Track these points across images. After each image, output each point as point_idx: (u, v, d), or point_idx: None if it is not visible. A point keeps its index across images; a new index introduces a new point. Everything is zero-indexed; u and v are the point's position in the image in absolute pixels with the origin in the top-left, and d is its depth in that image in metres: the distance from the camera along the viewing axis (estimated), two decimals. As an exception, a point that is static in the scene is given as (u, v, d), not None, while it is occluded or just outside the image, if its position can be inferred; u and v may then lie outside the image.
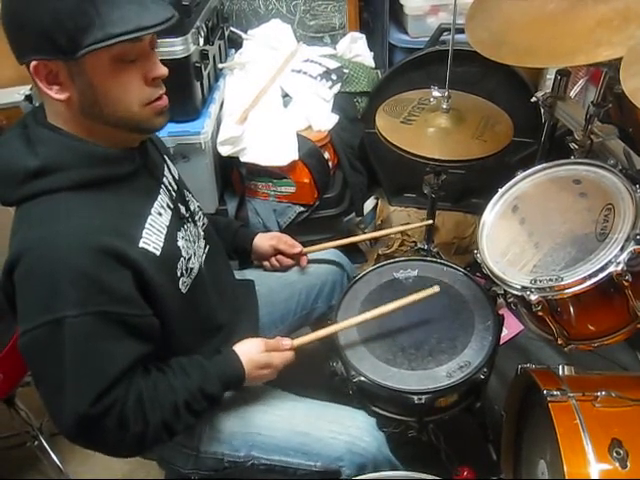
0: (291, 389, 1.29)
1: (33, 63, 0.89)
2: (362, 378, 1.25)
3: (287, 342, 1.20)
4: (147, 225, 1.03)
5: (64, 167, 0.95)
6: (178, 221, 1.13)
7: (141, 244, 1.00)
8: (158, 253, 1.03)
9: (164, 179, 1.15)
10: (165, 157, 1.22)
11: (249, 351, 1.14)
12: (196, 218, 1.24)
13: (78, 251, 0.91)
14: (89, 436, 0.97)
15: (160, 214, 1.08)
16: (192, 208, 1.23)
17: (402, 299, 1.29)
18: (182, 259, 1.10)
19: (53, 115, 0.98)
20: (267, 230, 1.92)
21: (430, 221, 1.63)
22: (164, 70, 0.99)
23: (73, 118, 0.97)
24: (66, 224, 0.93)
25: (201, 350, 1.15)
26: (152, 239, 1.02)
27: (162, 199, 1.10)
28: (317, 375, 1.48)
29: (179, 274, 1.09)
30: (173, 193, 1.16)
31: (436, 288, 1.30)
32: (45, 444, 1.69)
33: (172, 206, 1.13)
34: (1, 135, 1.60)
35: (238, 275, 1.48)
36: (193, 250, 1.16)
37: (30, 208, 0.95)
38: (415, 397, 1.21)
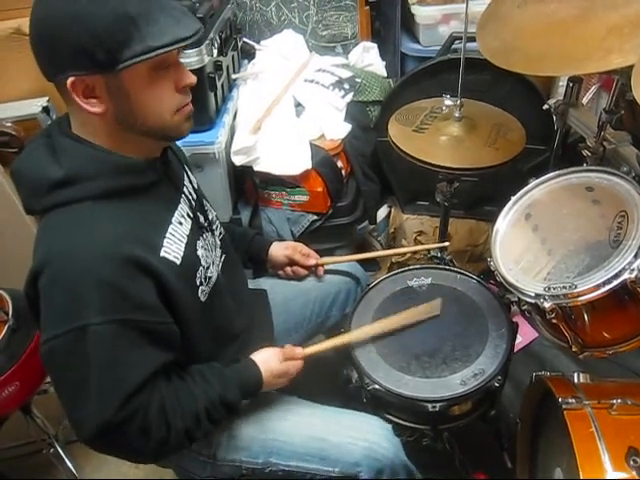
0: (306, 397, 1.30)
1: (70, 79, 0.90)
2: (376, 386, 1.25)
3: (299, 351, 1.22)
4: (168, 234, 1.04)
5: (88, 177, 0.96)
6: (197, 230, 1.15)
7: (162, 253, 1.01)
8: (178, 262, 1.04)
9: (184, 188, 1.16)
10: (185, 166, 1.24)
11: (268, 361, 1.16)
12: (214, 227, 1.25)
13: (102, 260, 0.92)
14: (111, 443, 0.99)
15: (180, 223, 1.09)
16: (210, 217, 1.24)
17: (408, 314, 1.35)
18: (201, 268, 1.11)
19: (80, 126, 0.99)
20: (281, 239, 1.93)
21: (447, 243, 1.63)
22: (193, 78, 1.02)
23: (103, 129, 0.98)
24: (90, 233, 0.94)
25: (219, 357, 1.16)
26: (173, 248, 1.04)
27: (182, 208, 1.11)
28: (331, 383, 1.49)
29: (198, 283, 1.10)
30: (193, 202, 1.17)
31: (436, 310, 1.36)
32: (61, 451, 1.71)
33: (192, 215, 1.14)
34: (20, 146, 1.64)
35: (252, 284, 1.49)
36: (212, 259, 1.17)
37: (55, 217, 0.97)
38: (429, 405, 1.21)
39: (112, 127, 0.98)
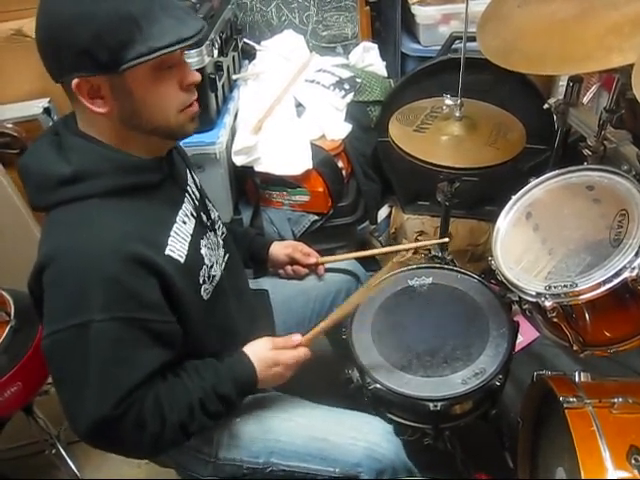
0: (307, 397, 1.30)
1: (75, 80, 0.91)
2: (378, 385, 1.26)
3: (296, 337, 1.20)
4: (172, 233, 1.05)
5: (96, 174, 0.97)
6: (201, 229, 1.15)
7: (167, 251, 1.02)
8: (182, 260, 1.04)
9: (188, 188, 1.17)
10: (188, 166, 1.24)
11: (258, 350, 1.15)
12: (216, 227, 1.26)
13: (108, 257, 0.93)
14: (107, 438, 0.99)
15: (185, 222, 1.10)
16: (213, 217, 1.25)
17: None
18: (205, 267, 1.12)
19: (87, 125, 1.00)
20: (282, 239, 1.94)
21: (446, 239, 1.64)
22: (198, 76, 1.03)
23: (109, 128, 0.99)
24: (97, 230, 0.95)
25: (219, 356, 1.16)
26: (177, 247, 1.04)
27: (186, 207, 1.12)
28: (333, 383, 1.48)
29: (201, 281, 1.10)
30: (196, 202, 1.18)
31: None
32: (62, 452, 1.71)
33: (195, 214, 1.15)
34: (21, 147, 1.64)
35: (253, 284, 1.49)
36: (215, 258, 1.17)
37: (62, 214, 0.97)
38: (430, 404, 1.21)
39: (118, 126, 0.99)
